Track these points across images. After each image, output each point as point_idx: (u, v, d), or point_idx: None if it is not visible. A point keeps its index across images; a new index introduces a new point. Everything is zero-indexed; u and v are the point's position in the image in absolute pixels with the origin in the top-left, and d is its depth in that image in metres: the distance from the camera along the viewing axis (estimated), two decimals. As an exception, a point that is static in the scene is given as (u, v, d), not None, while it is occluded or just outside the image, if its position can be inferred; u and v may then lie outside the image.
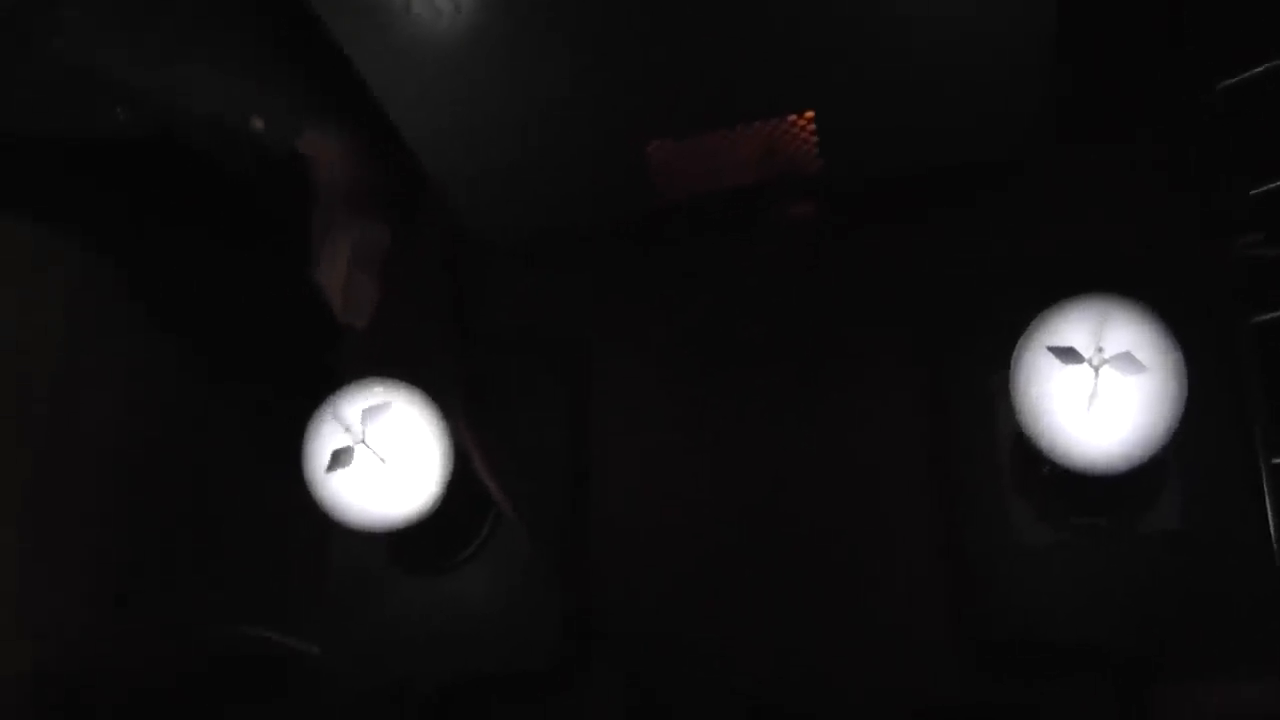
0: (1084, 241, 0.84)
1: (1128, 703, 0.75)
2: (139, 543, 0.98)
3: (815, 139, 0.85)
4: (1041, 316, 0.68)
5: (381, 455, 0.75)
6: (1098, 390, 0.66)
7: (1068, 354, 0.66)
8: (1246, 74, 0.84)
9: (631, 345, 0.92)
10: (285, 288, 1.03)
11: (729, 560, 0.84)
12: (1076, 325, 0.67)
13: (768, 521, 0.85)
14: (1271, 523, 0.75)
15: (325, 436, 0.75)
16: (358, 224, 1.01)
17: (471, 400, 0.87)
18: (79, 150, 1.00)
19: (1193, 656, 0.76)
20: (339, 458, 0.75)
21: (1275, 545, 0.75)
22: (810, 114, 0.83)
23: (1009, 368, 0.72)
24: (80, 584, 0.93)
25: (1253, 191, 0.83)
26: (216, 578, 1.01)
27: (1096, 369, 0.66)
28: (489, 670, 0.83)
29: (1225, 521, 0.76)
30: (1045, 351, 0.67)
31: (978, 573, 0.78)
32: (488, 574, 0.84)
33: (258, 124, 0.98)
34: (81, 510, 0.96)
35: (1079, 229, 0.86)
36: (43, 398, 0.98)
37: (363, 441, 0.76)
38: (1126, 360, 0.66)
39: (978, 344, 0.82)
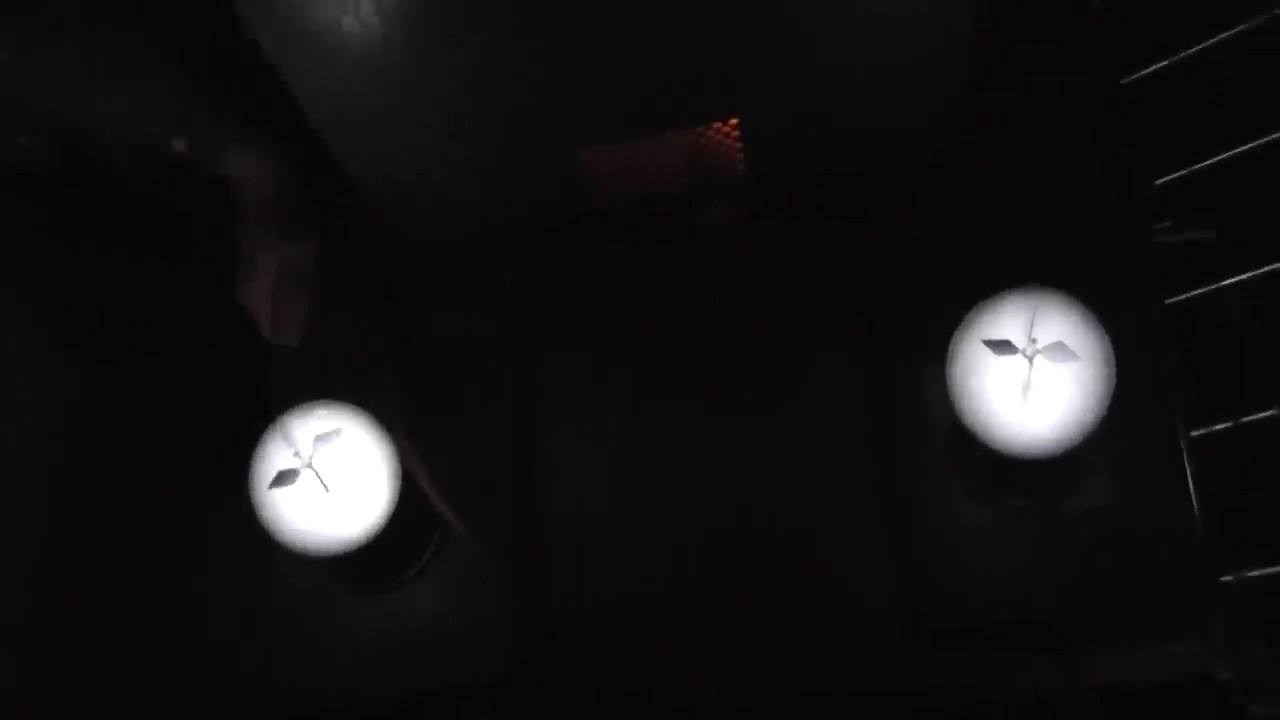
0: (1009, 234, 0.87)
1: (1066, 671, 0.78)
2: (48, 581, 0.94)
3: (740, 145, 0.87)
4: (975, 310, 0.71)
5: (327, 483, 0.75)
6: (1031, 379, 0.69)
7: (1002, 345, 0.69)
8: (1149, 68, 0.88)
9: (573, 346, 0.92)
10: (210, 309, 1.02)
11: (681, 556, 0.86)
12: (1010, 318, 0.70)
13: (717, 516, 0.86)
14: (1193, 493, 0.79)
15: (272, 456, 0.75)
16: (284, 241, 1.00)
17: (412, 411, 0.87)
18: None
19: (1124, 624, 0.80)
20: (284, 478, 0.75)
21: (1197, 515, 0.79)
22: (734, 121, 0.85)
23: (942, 360, 0.74)
24: None
25: (1158, 182, 0.88)
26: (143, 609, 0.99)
27: (1030, 359, 0.69)
28: (448, 683, 0.83)
29: (1150, 496, 0.80)
30: (980, 344, 0.70)
31: (918, 556, 0.81)
32: (438, 587, 0.84)
33: (179, 146, 0.96)
34: None
35: (1004, 223, 0.89)
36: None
37: (309, 466, 0.75)
38: (1059, 349, 0.68)
39: (911, 337, 0.85)
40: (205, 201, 1.00)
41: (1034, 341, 0.69)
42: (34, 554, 0.93)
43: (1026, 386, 0.69)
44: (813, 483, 0.86)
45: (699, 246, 0.94)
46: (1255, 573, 0.77)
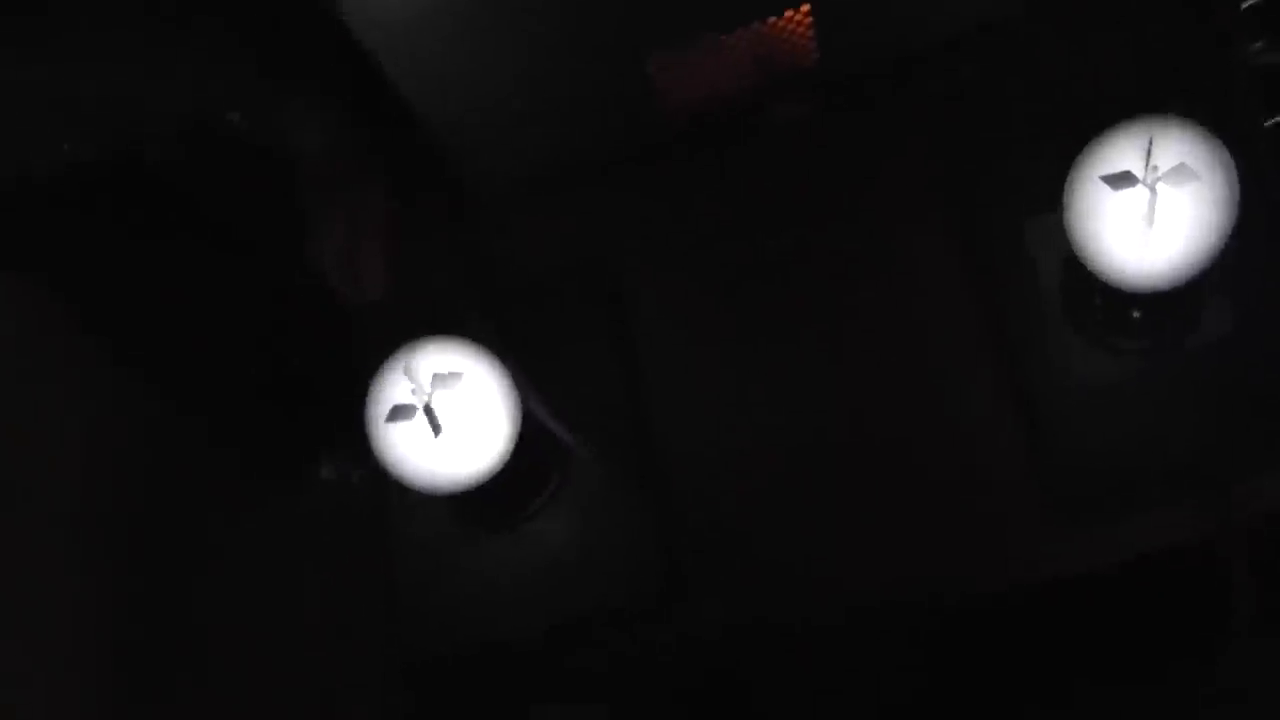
0: (1096, 77, 0.85)
1: (1217, 513, 0.76)
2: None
3: (812, 32, 0.85)
4: (1088, 148, 0.69)
5: (445, 422, 0.74)
6: (1155, 208, 0.67)
7: (1121, 179, 0.67)
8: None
9: (661, 264, 0.91)
10: (279, 292, 1.00)
11: (802, 467, 0.84)
12: (1125, 149, 0.68)
13: (832, 421, 0.84)
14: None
15: (390, 390, 0.74)
16: (349, 197, 0.99)
17: (515, 350, 0.86)
18: (26, 188, 0.96)
19: (1263, 453, 0.78)
20: (399, 413, 0.74)
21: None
22: (806, 8, 0.83)
23: (1044, 211, 0.72)
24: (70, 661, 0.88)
25: (1244, 5, 0.85)
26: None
27: (1151, 188, 0.67)
28: (592, 610, 0.82)
29: (1271, 321, 0.78)
30: (1097, 182, 0.68)
31: (1047, 423, 0.79)
32: (569, 516, 0.83)
33: (234, 118, 0.95)
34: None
35: (1088, 68, 0.86)
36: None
37: (428, 406, 0.75)
38: (1181, 172, 0.67)
39: (1006, 195, 0.83)
40: (264, 176, 0.99)
41: (1154, 169, 0.67)
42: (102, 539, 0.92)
43: (1151, 217, 0.67)
44: (927, 372, 0.84)
45: (773, 146, 0.92)
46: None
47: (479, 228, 0.97)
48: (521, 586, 0.83)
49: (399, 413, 0.75)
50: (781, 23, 0.83)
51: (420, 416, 0.75)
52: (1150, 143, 0.67)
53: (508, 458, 0.77)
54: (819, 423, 0.85)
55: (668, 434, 0.87)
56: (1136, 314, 0.77)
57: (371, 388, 0.76)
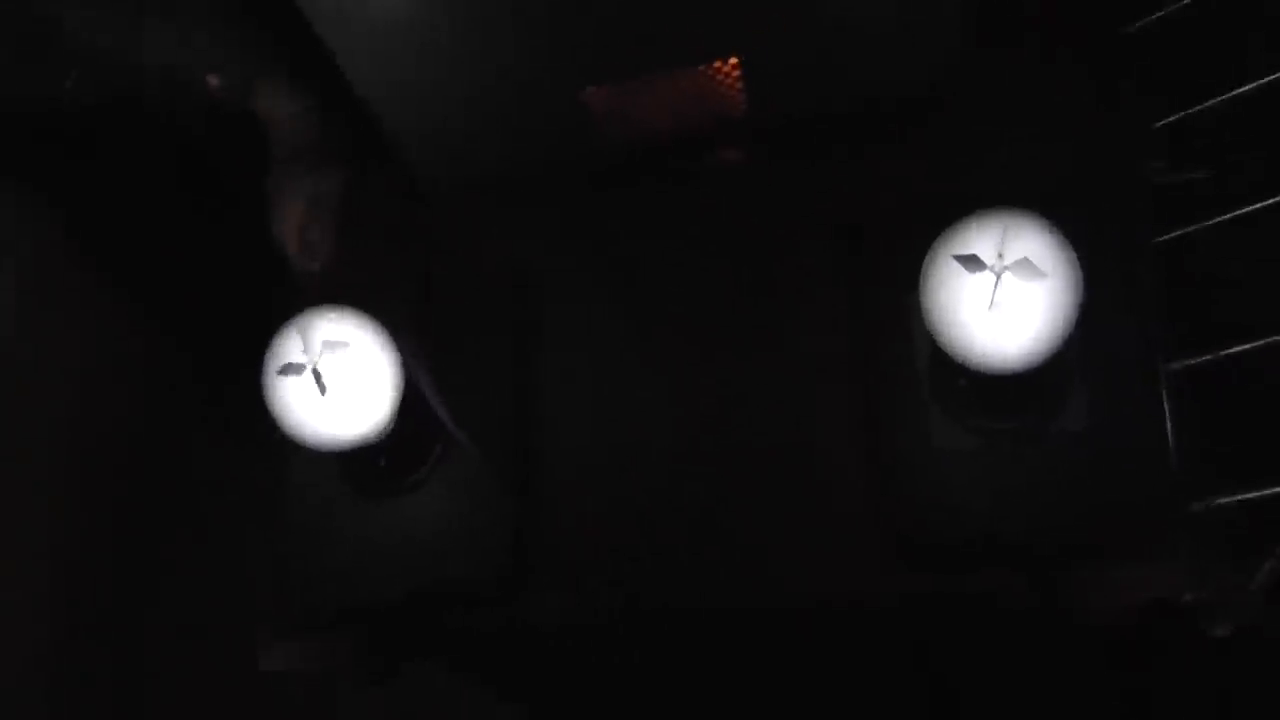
0: (1005, 171, 0.89)
1: (1039, 591, 0.80)
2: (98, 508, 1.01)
3: (740, 85, 0.90)
4: (949, 229, 0.73)
5: (328, 384, 0.80)
6: (998, 295, 0.71)
7: (971, 261, 0.72)
8: (1158, 13, 0.90)
9: (575, 279, 0.96)
10: (239, 243, 1.07)
11: (670, 475, 0.89)
12: (980, 236, 0.72)
13: (706, 438, 0.89)
14: (1169, 423, 0.81)
15: (283, 349, 0.80)
16: (312, 175, 1.05)
17: (422, 333, 0.91)
18: (34, 116, 1.03)
19: (1095, 546, 0.82)
20: (290, 369, 0.80)
21: (1171, 443, 0.81)
22: (735, 60, 0.88)
23: (924, 285, 0.76)
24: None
25: (1157, 124, 0.89)
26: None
27: (998, 275, 0.71)
28: (439, 586, 0.87)
29: (1127, 424, 0.82)
30: (951, 260, 0.72)
31: (898, 476, 0.83)
32: (438, 494, 0.88)
33: (212, 81, 1.02)
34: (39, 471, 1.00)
35: (1000, 162, 0.90)
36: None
37: (315, 366, 0.80)
38: (1026, 267, 0.71)
39: (897, 265, 0.87)
40: (237, 137, 1.06)
41: (1001, 258, 0.71)
42: (80, 471, 1.00)
43: (993, 300, 0.71)
44: (799, 407, 0.89)
45: (699, 186, 0.97)
46: (1224, 500, 0.79)
47: (420, 220, 1.02)
48: (386, 553, 0.88)
49: (289, 369, 0.80)
50: (711, 71, 0.88)
51: (309, 375, 0.80)
52: (1004, 233, 0.72)
53: (389, 426, 0.82)
54: (692, 437, 0.90)
55: (548, 433, 0.92)
56: (994, 397, 0.81)
57: (270, 345, 0.82)
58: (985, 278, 0.72)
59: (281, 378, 0.81)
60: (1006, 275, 0.71)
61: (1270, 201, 0.82)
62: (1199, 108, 0.86)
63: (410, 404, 0.84)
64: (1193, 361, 0.82)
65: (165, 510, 1.08)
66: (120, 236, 1.10)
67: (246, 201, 1.05)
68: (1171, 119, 0.89)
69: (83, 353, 1.07)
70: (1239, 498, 0.79)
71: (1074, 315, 0.72)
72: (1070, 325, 0.72)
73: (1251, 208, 0.83)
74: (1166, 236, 0.86)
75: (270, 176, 1.05)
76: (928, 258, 0.74)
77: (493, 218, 1.00)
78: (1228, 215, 0.84)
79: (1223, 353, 0.82)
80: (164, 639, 1.03)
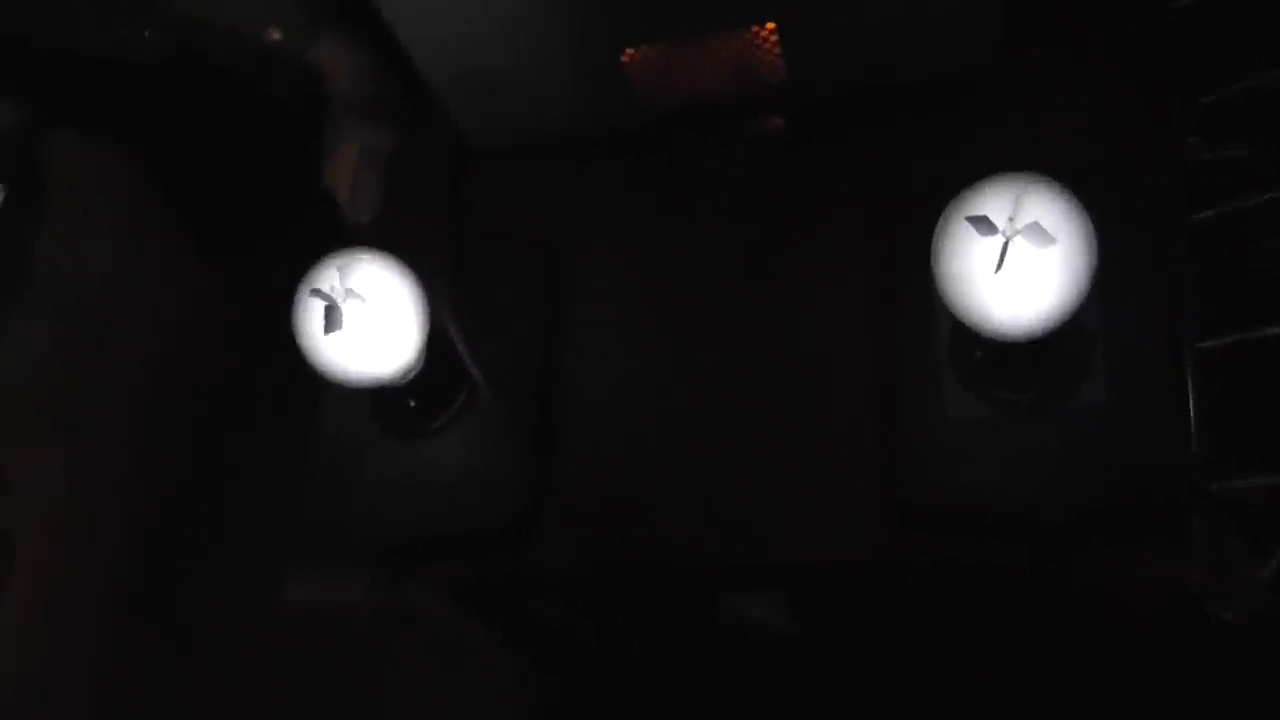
0: (1035, 144, 0.88)
1: (1042, 568, 0.80)
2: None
3: (778, 50, 0.91)
4: (963, 192, 0.73)
5: (362, 296, 0.81)
6: (1007, 258, 0.70)
7: (982, 223, 0.71)
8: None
9: (601, 239, 0.98)
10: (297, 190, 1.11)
11: (683, 433, 0.90)
12: (993, 199, 0.72)
13: (723, 401, 0.90)
14: (1191, 402, 0.79)
15: (319, 275, 0.82)
16: (366, 128, 1.08)
17: (455, 285, 0.94)
18: (118, 69, 1.09)
19: (1110, 523, 0.80)
20: (328, 316, 0.82)
21: (1193, 425, 0.79)
22: (772, 25, 0.89)
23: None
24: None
25: (1195, 102, 0.88)
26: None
27: (1008, 238, 0.71)
28: (450, 530, 0.90)
29: (1149, 401, 0.80)
30: (963, 222, 0.72)
31: (908, 443, 0.83)
32: (459, 440, 0.90)
33: (274, 35, 1.05)
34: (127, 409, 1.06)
35: (1031, 134, 0.90)
36: (92, 303, 1.07)
37: (347, 291, 0.82)
38: (1036, 231, 0.70)
39: (920, 237, 0.87)
40: (297, 89, 1.09)
41: (1012, 222, 0.71)
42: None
43: (1001, 264, 0.71)
44: (815, 373, 0.89)
45: (729, 156, 0.98)
46: (1241, 483, 0.77)
47: (462, 181, 1.05)
48: (404, 493, 0.90)
49: (327, 317, 0.82)
50: (749, 36, 0.89)
51: (344, 314, 0.82)
52: (1018, 198, 0.71)
53: (415, 369, 0.84)
54: (710, 401, 0.91)
55: (569, 388, 0.94)
56: (1009, 366, 0.81)
57: (306, 275, 0.84)
58: (995, 240, 0.71)
59: (310, 301, 0.83)
60: (1017, 239, 0.71)
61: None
62: (1237, 86, 0.84)
63: (437, 350, 0.86)
64: (1221, 342, 0.81)
65: (231, 454, 1.12)
66: (199, 192, 1.16)
67: (306, 147, 1.09)
68: (1210, 98, 0.87)
69: (167, 303, 1.13)
70: (1258, 482, 0.77)
71: (1086, 283, 0.71)
72: (1082, 293, 0.71)
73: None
74: (1201, 215, 0.85)
75: (326, 128, 1.09)
76: (941, 219, 0.74)
77: (526, 179, 1.02)
78: (1265, 196, 0.82)
79: (1253, 334, 0.80)
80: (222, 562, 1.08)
